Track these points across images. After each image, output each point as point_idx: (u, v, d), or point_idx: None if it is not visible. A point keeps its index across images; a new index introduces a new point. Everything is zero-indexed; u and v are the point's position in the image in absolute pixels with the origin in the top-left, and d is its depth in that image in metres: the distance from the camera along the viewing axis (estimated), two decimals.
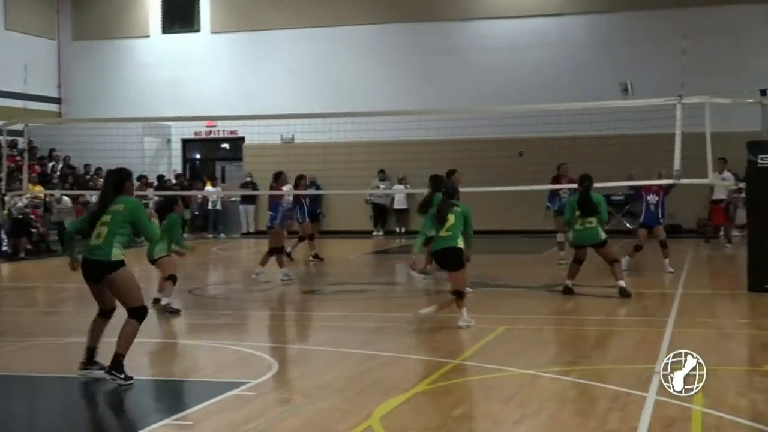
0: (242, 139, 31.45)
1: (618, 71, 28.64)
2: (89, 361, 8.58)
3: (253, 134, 26.79)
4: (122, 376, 8.27)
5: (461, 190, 12.85)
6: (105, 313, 8.63)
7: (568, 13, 29.90)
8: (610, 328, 11.45)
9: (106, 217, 8.43)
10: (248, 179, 30.00)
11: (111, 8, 33.42)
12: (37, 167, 27.80)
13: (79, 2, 33.73)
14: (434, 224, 11.54)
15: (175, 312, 12.72)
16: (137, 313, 8.45)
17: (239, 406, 7.48)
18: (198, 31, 32.87)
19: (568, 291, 14.03)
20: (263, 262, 16.73)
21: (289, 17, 31.71)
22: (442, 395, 7.85)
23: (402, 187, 28.50)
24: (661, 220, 17.03)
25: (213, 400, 7.63)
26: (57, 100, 33.40)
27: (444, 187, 12.33)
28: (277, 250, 16.54)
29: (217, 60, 32.33)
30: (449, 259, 11.36)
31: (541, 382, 8.31)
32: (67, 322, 12.50)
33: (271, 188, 17.05)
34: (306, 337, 11.27)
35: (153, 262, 13.07)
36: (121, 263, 8.32)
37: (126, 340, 8.39)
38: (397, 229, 30.20)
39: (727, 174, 22.26)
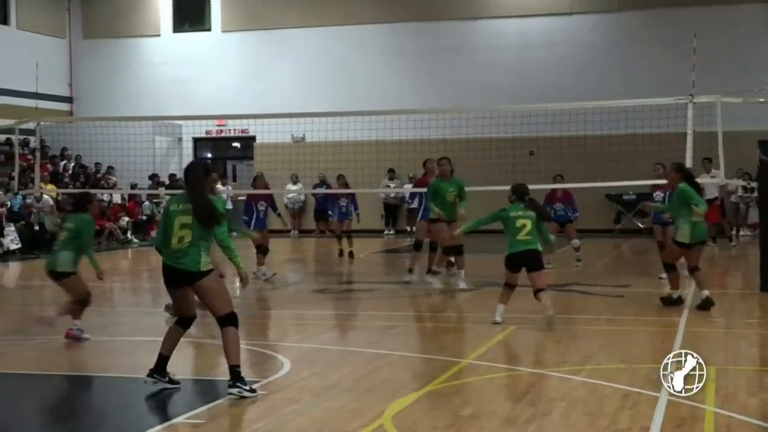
0: (253, 138, 31.49)
1: (627, 70, 28.64)
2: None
3: (264, 133, 26.82)
4: (247, 387, 7.75)
5: (477, 189, 12.93)
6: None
7: (576, 13, 29.87)
8: (620, 327, 11.43)
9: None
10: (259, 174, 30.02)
11: (121, 7, 33.48)
12: (48, 166, 27.88)
13: (90, 1, 33.81)
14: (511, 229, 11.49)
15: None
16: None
17: (250, 404, 7.49)
18: (209, 30, 32.92)
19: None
20: (260, 262, 16.96)
21: (299, 16, 31.74)
22: (452, 394, 7.85)
23: (411, 186, 28.47)
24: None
25: (224, 399, 7.64)
26: (68, 99, 33.49)
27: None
28: (262, 249, 16.89)
29: (227, 59, 32.37)
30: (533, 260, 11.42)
31: (551, 381, 8.30)
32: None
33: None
34: (316, 336, 11.28)
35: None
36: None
37: (235, 349, 7.90)
38: (408, 228, 30.18)
39: (716, 172, 22.15)
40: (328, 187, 27.73)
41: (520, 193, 11.79)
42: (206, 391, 8.34)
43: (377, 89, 30.15)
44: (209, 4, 32.85)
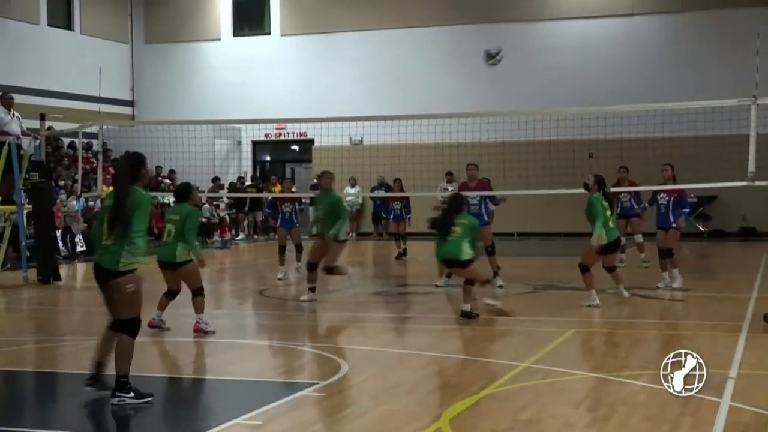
0: (311, 140, 31.64)
1: (690, 71, 28.31)
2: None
3: (322, 136, 26.89)
4: (131, 395, 7.63)
5: (536, 192, 12.96)
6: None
7: (638, 14, 29.60)
8: (681, 332, 11.29)
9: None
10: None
11: (182, 12, 33.86)
12: (110, 169, 28.23)
13: (151, 6, 34.24)
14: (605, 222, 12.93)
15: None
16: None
17: (308, 406, 7.53)
18: (268, 33, 33.17)
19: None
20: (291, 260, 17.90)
21: (357, 19, 31.85)
22: (511, 398, 7.81)
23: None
24: (673, 225, 15.23)
25: (282, 401, 7.68)
26: (130, 103, 33.95)
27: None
28: (299, 248, 17.75)
29: (286, 62, 32.58)
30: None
31: (611, 385, 8.23)
32: None
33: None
34: (374, 339, 11.29)
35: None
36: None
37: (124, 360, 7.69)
38: None
39: None
40: (387, 189, 27.74)
41: (602, 183, 13.18)
42: (264, 392, 8.39)
43: (435, 92, 30.13)
44: (269, 9, 33.10)
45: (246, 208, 30.43)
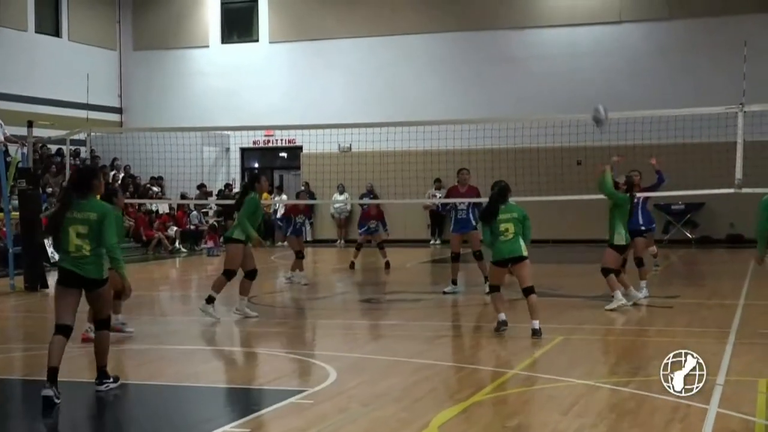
0: (300, 148, 31.64)
1: (677, 79, 28.40)
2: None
3: (311, 143, 26.91)
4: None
5: (525, 199, 13.11)
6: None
7: (626, 21, 29.71)
8: (669, 338, 11.31)
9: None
10: (302, 188, 30.18)
11: (171, 19, 33.84)
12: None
13: (140, 13, 34.20)
14: None
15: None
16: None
17: (297, 413, 7.52)
18: (256, 40, 33.17)
19: None
20: (298, 267, 18.09)
21: (346, 26, 31.88)
22: (499, 405, 7.83)
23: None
24: (643, 228, 15.21)
25: (271, 408, 7.68)
26: (118, 110, 33.89)
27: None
28: (299, 255, 18.10)
29: (275, 69, 32.59)
30: None
31: (600, 392, 8.25)
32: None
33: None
34: (363, 346, 11.30)
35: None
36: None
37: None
38: None
39: None
40: (374, 197, 27.80)
41: (630, 184, 13.67)
42: (252, 400, 8.39)
43: (425, 99, 30.17)
44: (257, 16, 33.11)
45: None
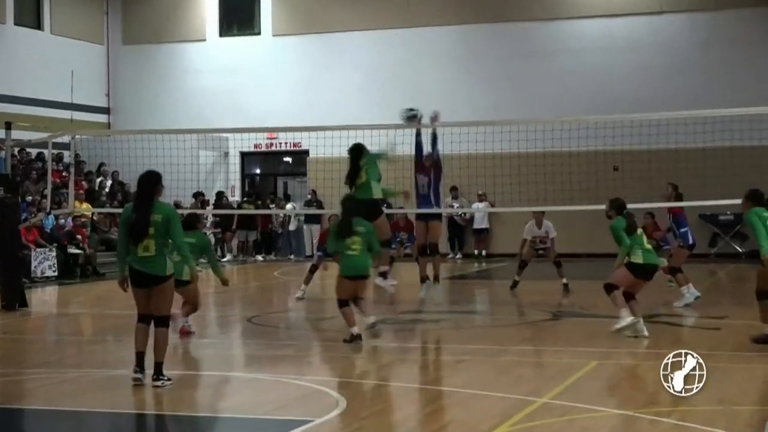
0: (306, 152, 31.65)
1: (725, 75, 28.33)
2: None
3: (318, 147, 26.88)
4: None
5: (556, 209, 13.10)
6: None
7: (668, 12, 29.67)
8: (716, 363, 11.25)
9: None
10: (309, 197, 30.26)
11: (164, 10, 33.94)
12: (84, 183, 28.31)
13: (130, 3, 34.31)
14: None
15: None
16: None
17: None
18: (258, 33, 33.24)
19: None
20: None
21: (359, 17, 31.91)
22: None
23: (481, 205, 28.50)
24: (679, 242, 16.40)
25: None
26: (105, 110, 34.00)
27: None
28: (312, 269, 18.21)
29: (279, 66, 32.62)
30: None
31: (639, 424, 8.22)
32: (113, 352, 12.69)
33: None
34: (376, 372, 11.28)
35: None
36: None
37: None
38: (476, 252, 30.15)
39: None
40: (389, 206, 27.78)
41: (621, 208, 13.17)
42: (253, 430, 8.39)
43: (444, 99, 30.07)
44: (259, 6, 33.16)
45: (234, 227, 30.46)
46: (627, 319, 12.78)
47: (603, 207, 13.64)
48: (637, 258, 12.91)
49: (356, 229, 12.67)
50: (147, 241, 9.80)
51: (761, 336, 12.08)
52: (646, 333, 12.65)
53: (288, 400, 9.48)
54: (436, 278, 16.00)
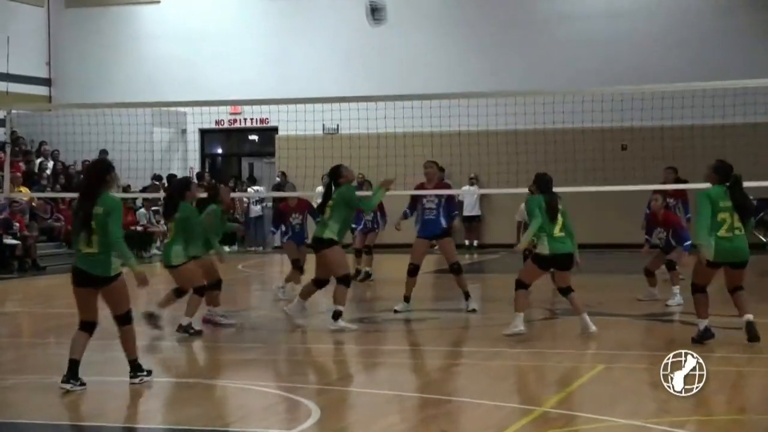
0: (275, 129, 31.63)
1: (746, 43, 28.42)
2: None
3: (288, 122, 26.87)
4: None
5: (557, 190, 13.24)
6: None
7: None
8: (735, 368, 11.33)
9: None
10: (278, 180, 30.18)
11: None
12: (22, 165, 28.19)
13: None
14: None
15: (197, 333, 13.69)
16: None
17: None
18: None
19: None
20: (294, 279, 17.99)
21: None
22: None
23: (472, 188, 28.45)
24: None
25: None
26: (46, 82, 33.87)
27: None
28: (297, 265, 17.97)
29: (244, 33, 32.55)
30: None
31: None
32: (56, 355, 12.66)
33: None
34: (354, 377, 11.30)
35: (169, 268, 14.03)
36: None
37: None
38: (467, 242, 30.14)
39: None
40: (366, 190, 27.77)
41: (545, 184, 13.41)
42: None
43: (430, 69, 30.17)
44: None
45: None
46: (520, 326, 12.92)
47: (610, 189, 13.72)
48: (543, 248, 13.05)
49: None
50: (89, 236, 9.93)
51: (698, 334, 12.38)
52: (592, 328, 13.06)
53: (253, 410, 9.48)
54: (467, 295, 15.92)
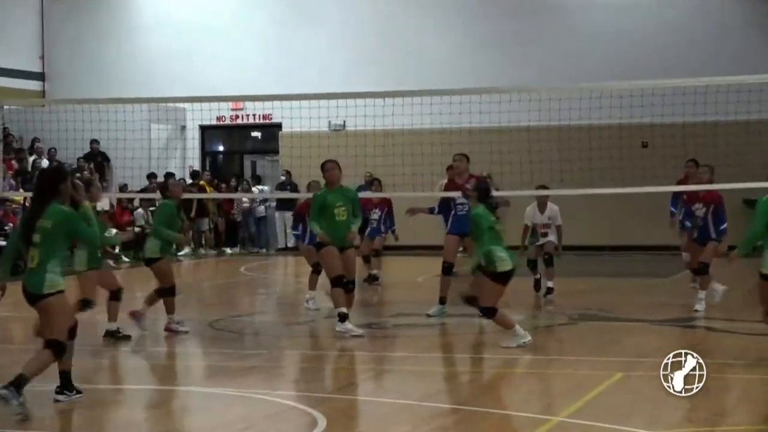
0: (278, 125, 31.63)
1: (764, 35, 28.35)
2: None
3: (293, 119, 26.88)
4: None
5: (571, 192, 13.05)
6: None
7: None
8: (762, 376, 11.30)
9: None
10: (283, 178, 30.16)
11: None
12: (14, 162, 28.20)
13: None
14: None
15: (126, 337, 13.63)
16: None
17: None
18: None
19: None
20: (312, 286, 17.28)
21: None
22: None
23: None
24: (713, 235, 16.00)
25: None
26: (40, 76, 33.88)
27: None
28: (317, 269, 17.09)
29: (246, 25, 32.55)
30: None
31: None
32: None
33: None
34: (361, 385, 11.29)
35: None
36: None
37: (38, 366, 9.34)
38: None
39: None
40: (376, 189, 27.74)
41: (484, 193, 13.22)
42: None
43: (439, 63, 30.15)
44: None
45: (192, 215, 30.38)
46: (522, 338, 12.70)
47: (630, 191, 13.63)
48: (505, 264, 12.67)
49: None
50: (32, 250, 9.53)
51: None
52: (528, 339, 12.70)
53: (256, 419, 9.47)
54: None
